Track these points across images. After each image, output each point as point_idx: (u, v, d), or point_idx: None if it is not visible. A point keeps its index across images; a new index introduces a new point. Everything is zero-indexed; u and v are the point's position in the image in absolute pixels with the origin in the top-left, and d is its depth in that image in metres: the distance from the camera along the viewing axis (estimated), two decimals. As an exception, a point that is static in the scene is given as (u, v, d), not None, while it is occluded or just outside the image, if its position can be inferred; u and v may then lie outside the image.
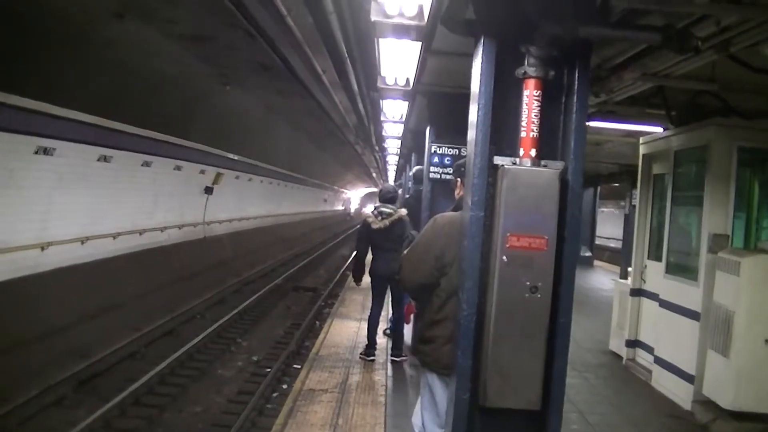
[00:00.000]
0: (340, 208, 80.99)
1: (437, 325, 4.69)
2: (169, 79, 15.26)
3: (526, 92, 3.82)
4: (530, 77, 3.80)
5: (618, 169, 21.79)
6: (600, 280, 22.78)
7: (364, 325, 10.97)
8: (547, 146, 3.94)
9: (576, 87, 3.93)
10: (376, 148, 27.39)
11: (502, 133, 3.93)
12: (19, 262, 13.70)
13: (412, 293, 5.80)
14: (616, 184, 26.34)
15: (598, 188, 27.81)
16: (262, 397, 11.63)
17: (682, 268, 9.13)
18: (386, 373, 9.86)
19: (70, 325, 14.35)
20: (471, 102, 4.00)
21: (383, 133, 16.31)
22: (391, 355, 10.44)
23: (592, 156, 17.17)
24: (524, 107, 3.83)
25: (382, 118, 12.84)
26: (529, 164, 3.82)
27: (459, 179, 5.05)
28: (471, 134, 3.96)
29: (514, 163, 3.83)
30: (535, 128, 3.81)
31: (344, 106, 19.00)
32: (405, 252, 5.00)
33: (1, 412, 10.01)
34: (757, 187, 8.84)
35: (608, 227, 35.67)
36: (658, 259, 9.81)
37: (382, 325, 11.51)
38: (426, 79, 8.50)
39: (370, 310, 10.64)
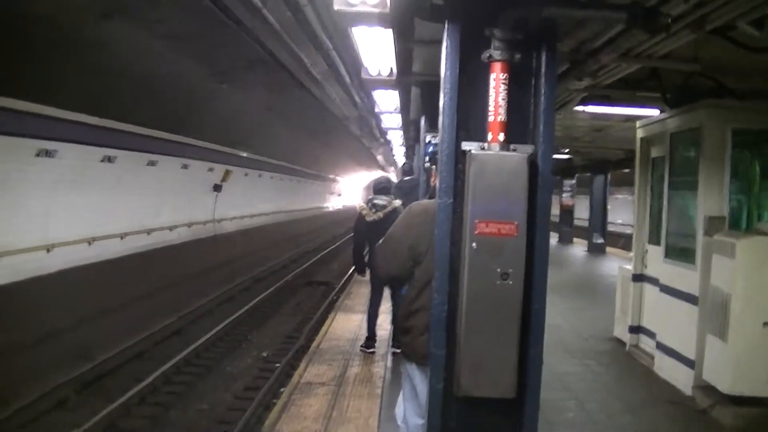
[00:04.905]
0: (354, 202, 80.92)
1: (413, 316, 4.64)
2: (169, 78, 15.23)
3: (492, 76, 3.76)
4: (496, 61, 3.75)
5: (625, 155, 21.66)
6: (611, 266, 22.56)
7: (367, 318, 10.89)
8: (518, 131, 3.88)
9: (543, 70, 3.88)
10: (381, 140, 27.36)
11: (470, 118, 3.90)
12: (24, 264, 13.75)
13: (387, 284, 5.75)
14: (627, 170, 26.21)
15: (608, 175, 27.60)
16: (269, 393, 11.59)
17: (680, 252, 9.02)
18: (386, 365, 9.82)
19: (76, 326, 14.37)
20: (441, 88, 3.94)
21: (382, 125, 16.26)
22: (392, 347, 10.40)
23: (595, 142, 17.13)
24: (491, 91, 3.77)
25: (377, 110, 12.78)
26: (497, 149, 3.76)
27: (434, 166, 5.00)
28: (440, 120, 3.92)
29: (483, 148, 3.77)
30: (502, 112, 3.75)
31: (341, 99, 18.93)
32: (379, 242, 4.97)
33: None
34: (757, 168, 8.74)
35: (623, 214, 35.48)
36: (658, 243, 9.74)
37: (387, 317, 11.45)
38: (417, 68, 8.45)
39: (369, 303, 10.62)
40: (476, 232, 3.68)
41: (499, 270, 3.70)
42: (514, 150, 3.78)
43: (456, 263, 3.83)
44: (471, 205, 3.69)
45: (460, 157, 3.83)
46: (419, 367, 4.73)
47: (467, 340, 3.74)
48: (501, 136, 3.76)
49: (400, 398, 5.12)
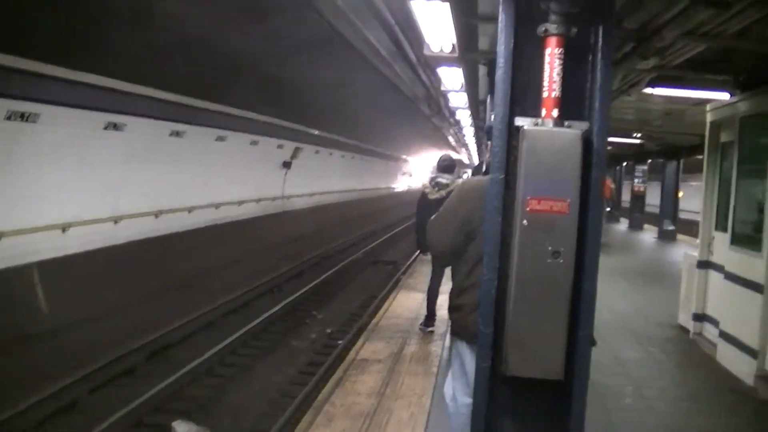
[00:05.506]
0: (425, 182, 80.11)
1: (465, 293, 4.61)
2: (239, 54, 15.30)
3: (547, 51, 3.67)
4: (551, 35, 3.65)
5: (700, 140, 21.20)
6: (681, 253, 22.29)
7: (429, 297, 10.86)
8: (573, 108, 3.78)
9: (600, 45, 3.78)
10: (451, 120, 27.15)
11: (525, 94, 3.81)
12: (93, 235, 14.02)
13: (441, 260, 5.72)
14: (701, 157, 25.68)
15: (681, 161, 27.06)
16: (330, 369, 11.67)
17: (747, 239, 8.79)
18: (443, 344, 9.74)
19: (139, 300, 14.66)
20: (496, 63, 3.89)
21: (450, 105, 16.15)
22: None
23: (666, 126, 16.82)
24: (546, 66, 3.68)
25: (442, 88, 12.72)
26: (551, 125, 3.68)
27: (490, 142, 4.96)
28: (495, 96, 3.86)
29: (536, 124, 3.70)
30: (557, 88, 3.66)
31: (408, 78, 18.80)
32: (432, 218, 4.94)
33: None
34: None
35: (698, 201, 34.82)
36: (725, 230, 9.51)
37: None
38: (484, 46, 8.37)
39: (429, 281, 10.59)
40: (527, 209, 3.61)
41: (550, 248, 3.62)
42: (569, 126, 3.69)
43: (507, 240, 3.76)
44: (523, 181, 3.62)
45: (514, 132, 3.76)
46: (469, 345, 4.67)
47: (516, 319, 3.68)
48: (555, 113, 3.67)
49: (449, 377, 5.08)
